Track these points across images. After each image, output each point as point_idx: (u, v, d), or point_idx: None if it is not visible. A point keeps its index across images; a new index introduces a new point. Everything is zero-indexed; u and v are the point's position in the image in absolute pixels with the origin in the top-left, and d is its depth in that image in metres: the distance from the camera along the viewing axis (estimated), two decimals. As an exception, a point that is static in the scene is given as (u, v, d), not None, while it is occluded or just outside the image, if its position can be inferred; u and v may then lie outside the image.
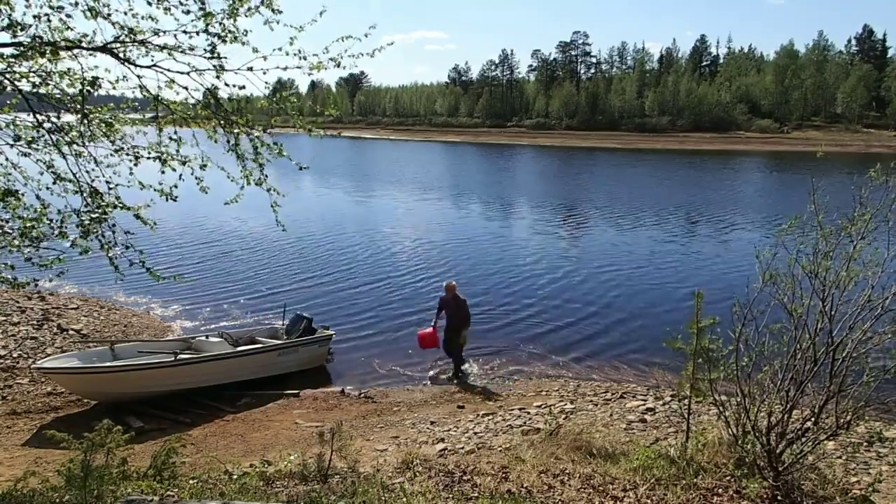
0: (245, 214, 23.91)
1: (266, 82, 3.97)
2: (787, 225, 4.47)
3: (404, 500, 4.22)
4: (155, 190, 4.40)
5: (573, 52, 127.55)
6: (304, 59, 3.99)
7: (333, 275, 16.60)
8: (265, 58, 3.87)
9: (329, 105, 4.37)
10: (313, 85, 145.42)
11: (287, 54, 3.93)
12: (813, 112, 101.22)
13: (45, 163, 4.21)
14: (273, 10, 3.88)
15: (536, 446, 5.56)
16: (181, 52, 3.83)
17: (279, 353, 10.29)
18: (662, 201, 31.92)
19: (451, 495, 4.44)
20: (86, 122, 4.03)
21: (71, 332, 11.37)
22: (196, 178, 4.42)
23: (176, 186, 4.37)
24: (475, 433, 7.55)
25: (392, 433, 7.85)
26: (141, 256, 4.39)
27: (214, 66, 3.89)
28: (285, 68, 4.00)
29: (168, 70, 3.89)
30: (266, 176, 4.39)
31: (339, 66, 4.03)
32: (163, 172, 4.31)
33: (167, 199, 4.41)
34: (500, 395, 9.46)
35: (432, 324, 10.54)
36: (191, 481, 4.43)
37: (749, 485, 4.35)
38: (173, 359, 9.05)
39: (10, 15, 3.58)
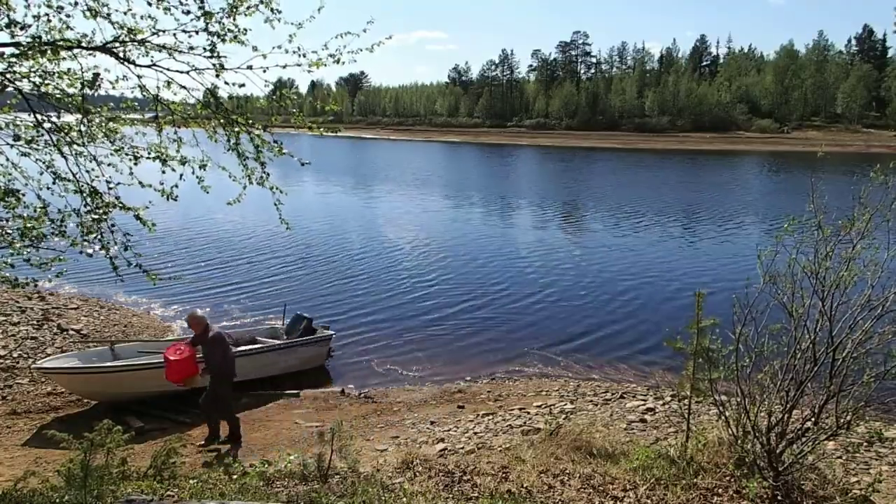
0: (245, 214, 23.91)
1: (266, 80, 3.97)
2: (786, 226, 4.47)
3: (404, 500, 4.22)
4: (156, 189, 4.39)
5: (573, 52, 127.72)
6: (304, 56, 3.98)
7: (333, 275, 16.58)
8: (265, 56, 3.87)
9: (331, 102, 4.38)
10: (313, 85, 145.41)
11: (286, 52, 3.92)
12: (813, 112, 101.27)
13: (44, 162, 4.21)
14: (272, 10, 3.88)
15: (536, 446, 5.55)
16: (181, 51, 3.83)
17: (279, 353, 10.29)
18: (663, 201, 31.91)
19: (451, 495, 4.44)
20: (85, 122, 4.03)
21: (71, 332, 11.36)
22: (197, 177, 4.41)
23: (177, 186, 4.36)
24: (475, 433, 7.55)
25: (392, 433, 7.86)
26: (138, 258, 4.38)
27: (214, 65, 3.88)
28: (285, 66, 3.99)
29: (168, 69, 3.89)
30: (268, 174, 4.39)
31: (338, 62, 4.01)
32: (163, 172, 4.30)
33: (168, 199, 4.40)
34: (500, 395, 9.45)
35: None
36: (191, 481, 4.43)
37: (749, 485, 4.34)
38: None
39: (9, 15, 3.58)
